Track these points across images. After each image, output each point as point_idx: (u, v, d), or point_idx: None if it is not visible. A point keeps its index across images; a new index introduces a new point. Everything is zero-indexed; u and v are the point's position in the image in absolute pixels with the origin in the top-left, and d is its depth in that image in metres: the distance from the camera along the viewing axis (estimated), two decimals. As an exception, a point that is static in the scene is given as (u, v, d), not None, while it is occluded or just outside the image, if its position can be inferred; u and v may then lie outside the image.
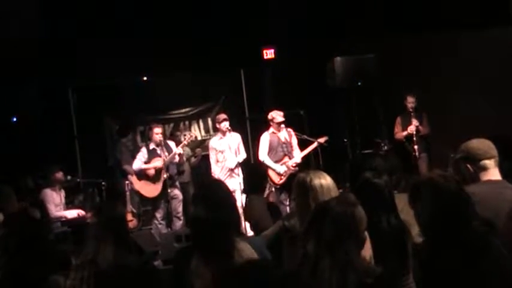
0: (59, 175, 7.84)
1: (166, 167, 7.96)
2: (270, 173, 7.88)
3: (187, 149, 8.86)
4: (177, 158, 8.09)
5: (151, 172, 7.99)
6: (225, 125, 8.14)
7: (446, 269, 2.46)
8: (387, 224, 3.18)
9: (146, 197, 8.14)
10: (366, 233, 2.54)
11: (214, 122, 9.81)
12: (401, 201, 3.53)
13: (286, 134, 8.03)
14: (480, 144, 3.36)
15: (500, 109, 8.17)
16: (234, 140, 8.23)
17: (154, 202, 8.13)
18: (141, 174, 8.06)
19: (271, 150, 7.94)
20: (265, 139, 7.99)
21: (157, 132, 8.05)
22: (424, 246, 2.69)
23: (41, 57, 8.59)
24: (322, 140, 8.07)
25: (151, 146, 8.12)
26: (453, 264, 2.44)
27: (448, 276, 2.46)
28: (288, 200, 7.70)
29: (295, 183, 3.32)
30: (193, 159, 8.91)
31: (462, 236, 2.47)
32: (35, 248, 3.00)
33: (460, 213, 2.54)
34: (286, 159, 7.92)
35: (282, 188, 7.84)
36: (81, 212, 7.81)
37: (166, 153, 8.04)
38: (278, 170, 7.83)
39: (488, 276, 2.36)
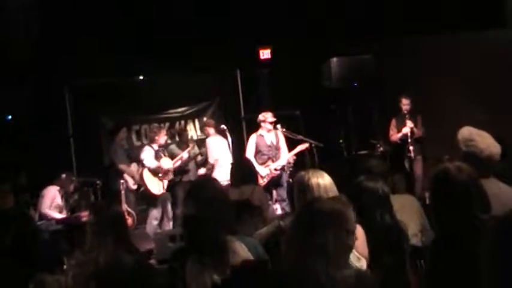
0: (70, 188, 7.95)
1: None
2: None
3: (195, 148, 8.91)
4: (178, 162, 8.28)
5: (162, 170, 8.13)
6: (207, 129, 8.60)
7: (448, 269, 2.45)
8: (381, 222, 3.20)
9: (151, 193, 8.16)
10: (355, 240, 2.48)
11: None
12: (397, 202, 3.56)
13: (273, 137, 8.03)
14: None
15: (494, 111, 8.18)
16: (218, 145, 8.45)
17: (153, 201, 8.19)
18: (154, 171, 8.13)
19: (257, 152, 7.99)
20: (252, 141, 8.05)
21: (163, 135, 8.37)
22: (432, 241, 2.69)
23: (37, 56, 8.56)
24: (304, 146, 8.00)
25: (155, 147, 8.24)
26: (453, 263, 2.42)
27: (447, 277, 2.44)
28: (272, 200, 7.95)
29: (294, 181, 3.32)
30: (199, 158, 8.93)
31: (465, 230, 2.45)
32: (28, 247, 2.99)
33: (464, 206, 2.53)
34: (269, 162, 7.97)
35: (266, 189, 7.89)
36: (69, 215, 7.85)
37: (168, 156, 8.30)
38: (261, 173, 7.89)
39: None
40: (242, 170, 5.38)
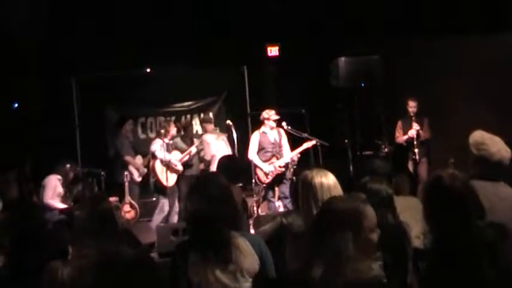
0: (70, 176, 7.95)
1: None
2: (258, 172, 8.00)
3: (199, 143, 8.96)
4: (187, 157, 8.36)
5: (171, 163, 8.21)
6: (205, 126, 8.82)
7: (445, 274, 2.46)
8: (384, 223, 3.19)
9: (162, 184, 8.20)
10: (375, 237, 2.47)
11: (215, 116, 9.85)
12: (401, 203, 3.56)
13: (276, 135, 8.07)
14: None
15: (501, 114, 8.17)
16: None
17: (164, 192, 8.26)
18: (164, 163, 8.20)
19: (261, 150, 8.02)
20: (255, 138, 8.08)
21: (173, 127, 8.51)
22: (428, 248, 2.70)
23: (45, 48, 8.59)
24: (310, 144, 8.02)
25: (166, 140, 8.32)
26: (452, 270, 2.43)
27: (447, 282, 2.45)
28: (275, 197, 8.00)
29: (298, 180, 3.33)
30: (202, 153, 8.95)
31: (462, 237, 2.46)
32: (35, 235, 3.00)
33: (458, 213, 2.54)
34: (274, 159, 8.00)
35: (269, 186, 8.03)
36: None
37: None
38: (265, 170, 7.94)
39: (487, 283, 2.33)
40: (227, 170, 5.38)
